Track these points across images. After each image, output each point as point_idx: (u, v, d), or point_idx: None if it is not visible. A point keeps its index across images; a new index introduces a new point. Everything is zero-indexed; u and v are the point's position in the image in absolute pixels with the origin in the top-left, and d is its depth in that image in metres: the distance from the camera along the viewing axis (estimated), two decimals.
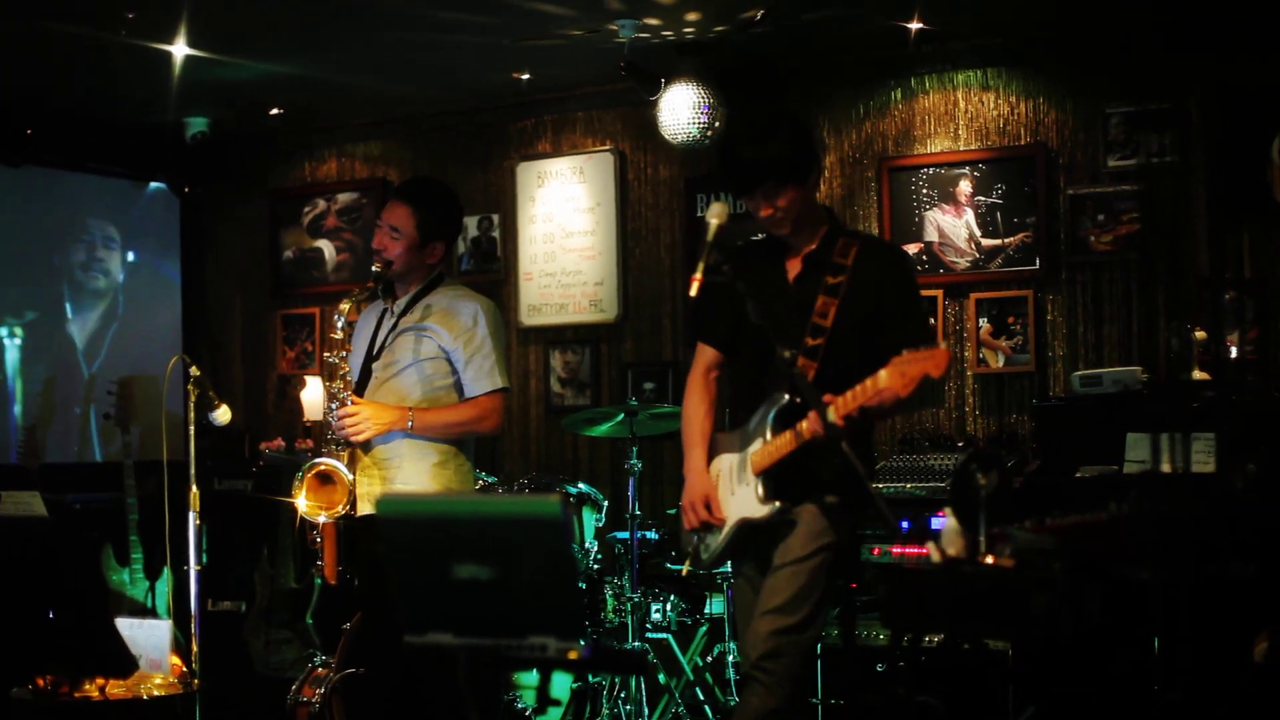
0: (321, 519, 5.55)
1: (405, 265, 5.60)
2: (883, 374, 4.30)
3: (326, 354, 5.70)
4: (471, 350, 5.54)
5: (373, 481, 5.57)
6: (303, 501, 5.57)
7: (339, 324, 5.66)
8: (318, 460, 5.61)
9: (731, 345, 4.91)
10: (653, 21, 7.36)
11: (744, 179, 4.67)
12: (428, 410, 5.52)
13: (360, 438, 5.52)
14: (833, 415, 4.24)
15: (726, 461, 4.78)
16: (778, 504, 4.58)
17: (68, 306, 9.43)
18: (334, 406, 5.58)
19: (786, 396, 4.54)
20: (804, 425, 4.49)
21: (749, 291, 4.49)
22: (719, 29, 7.48)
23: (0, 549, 3.86)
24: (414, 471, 5.52)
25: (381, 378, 5.61)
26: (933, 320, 7.75)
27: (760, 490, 4.61)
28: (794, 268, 4.78)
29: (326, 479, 5.59)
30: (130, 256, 9.77)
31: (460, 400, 5.62)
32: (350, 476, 5.56)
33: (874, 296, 4.68)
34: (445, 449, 5.59)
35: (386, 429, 5.52)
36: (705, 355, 4.96)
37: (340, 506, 5.54)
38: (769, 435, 4.60)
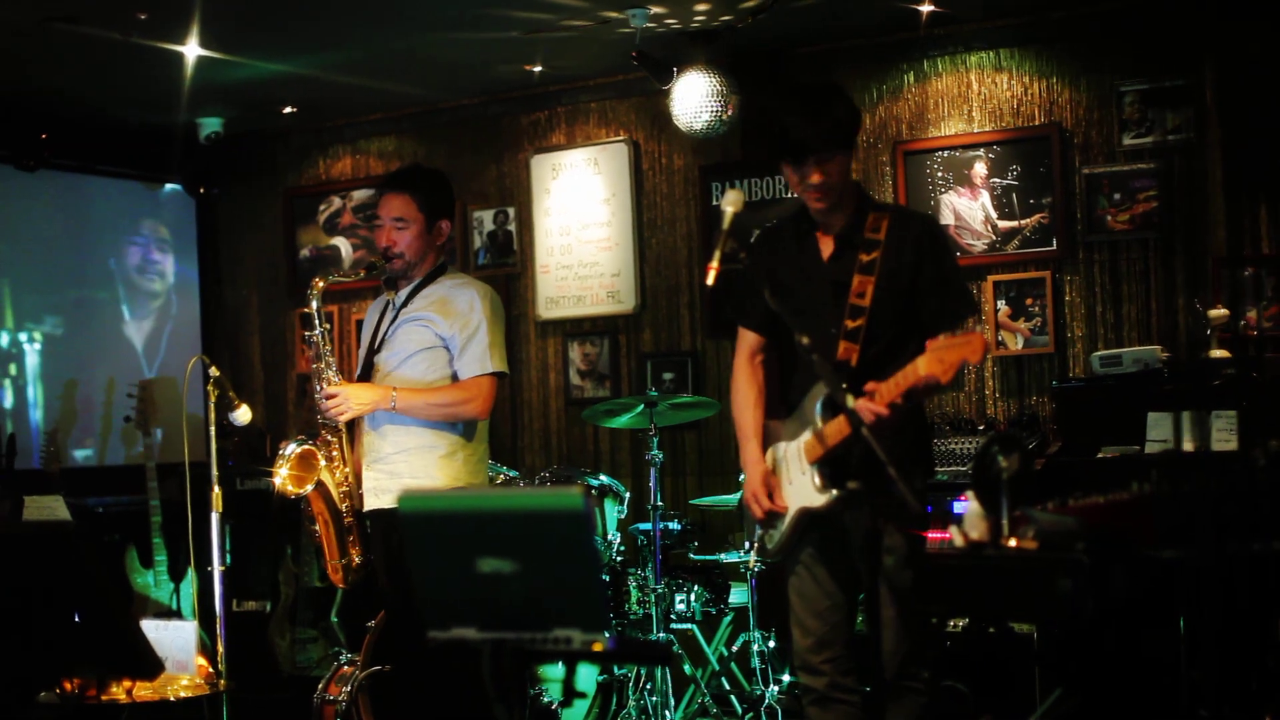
0: (290, 488, 5.61)
1: (418, 252, 5.65)
2: (921, 362, 4.29)
3: (306, 332, 5.75)
4: (466, 336, 5.56)
5: (380, 476, 5.59)
6: (284, 472, 5.63)
7: (314, 304, 5.72)
8: (305, 444, 5.68)
9: (773, 326, 4.87)
10: (663, 10, 7.35)
11: (810, 141, 4.61)
12: (411, 390, 5.54)
13: (343, 418, 5.60)
14: (852, 403, 4.23)
15: (782, 449, 4.76)
16: (835, 492, 4.56)
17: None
18: (319, 387, 5.63)
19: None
20: (831, 428, 4.49)
21: (771, 278, 4.48)
22: (728, 17, 7.47)
23: (25, 554, 3.87)
24: (421, 464, 5.55)
25: (384, 369, 5.64)
26: None
27: (817, 479, 4.59)
28: (827, 247, 4.75)
29: (308, 461, 5.65)
30: (149, 257, 9.79)
31: None
32: (323, 463, 5.66)
33: (910, 269, 4.66)
34: (452, 440, 5.60)
35: (370, 409, 5.58)
36: (747, 340, 4.94)
37: (308, 485, 5.63)
38: (819, 423, 4.58)
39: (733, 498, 7.19)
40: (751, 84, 7.89)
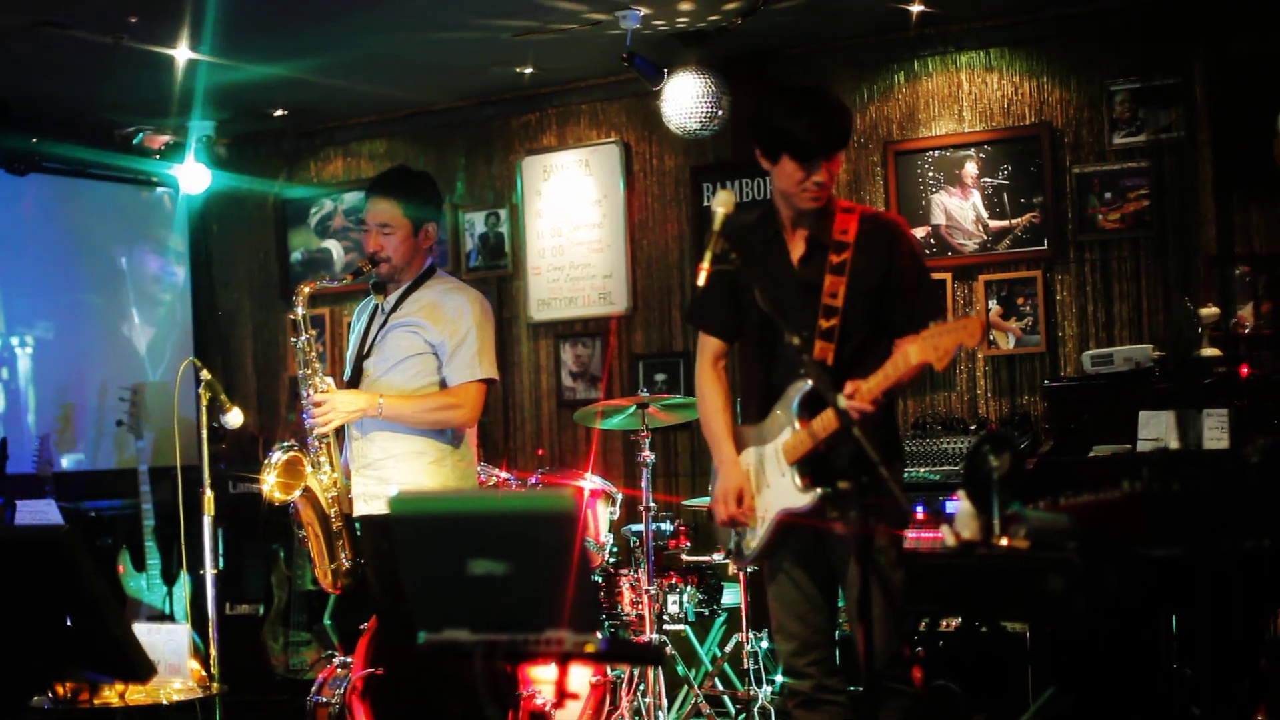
0: (277, 495, 5.62)
1: (404, 257, 5.63)
2: (912, 350, 4.31)
3: (292, 338, 5.74)
4: (455, 342, 5.54)
5: (368, 482, 5.59)
6: (271, 479, 5.63)
7: (299, 310, 5.71)
8: (291, 450, 5.69)
9: (734, 333, 4.90)
10: (654, 11, 7.35)
11: (827, 141, 4.65)
12: (398, 398, 5.53)
13: (330, 426, 5.57)
14: (844, 403, 4.23)
15: (754, 455, 4.75)
16: (819, 490, 4.56)
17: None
18: (306, 393, 5.62)
19: (810, 382, 4.51)
20: (818, 425, 4.49)
21: (754, 277, 4.48)
22: (718, 18, 7.48)
23: (17, 558, 3.87)
24: (409, 470, 5.53)
25: (372, 375, 5.63)
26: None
27: (798, 479, 4.58)
28: (796, 249, 4.76)
29: (294, 467, 5.66)
30: (140, 260, 9.79)
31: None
32: (309, 469, 5.66)
33: (880, 269, 4.68)
34: (440, 446, 5.59)
35: (357, 416, 5.55)
36: (710, 345, 4.95)
37: (295, 491, 5.64)
38: (797, 423, 4.58)
39: None
40: (742, 85, 7.89)
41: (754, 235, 4.82)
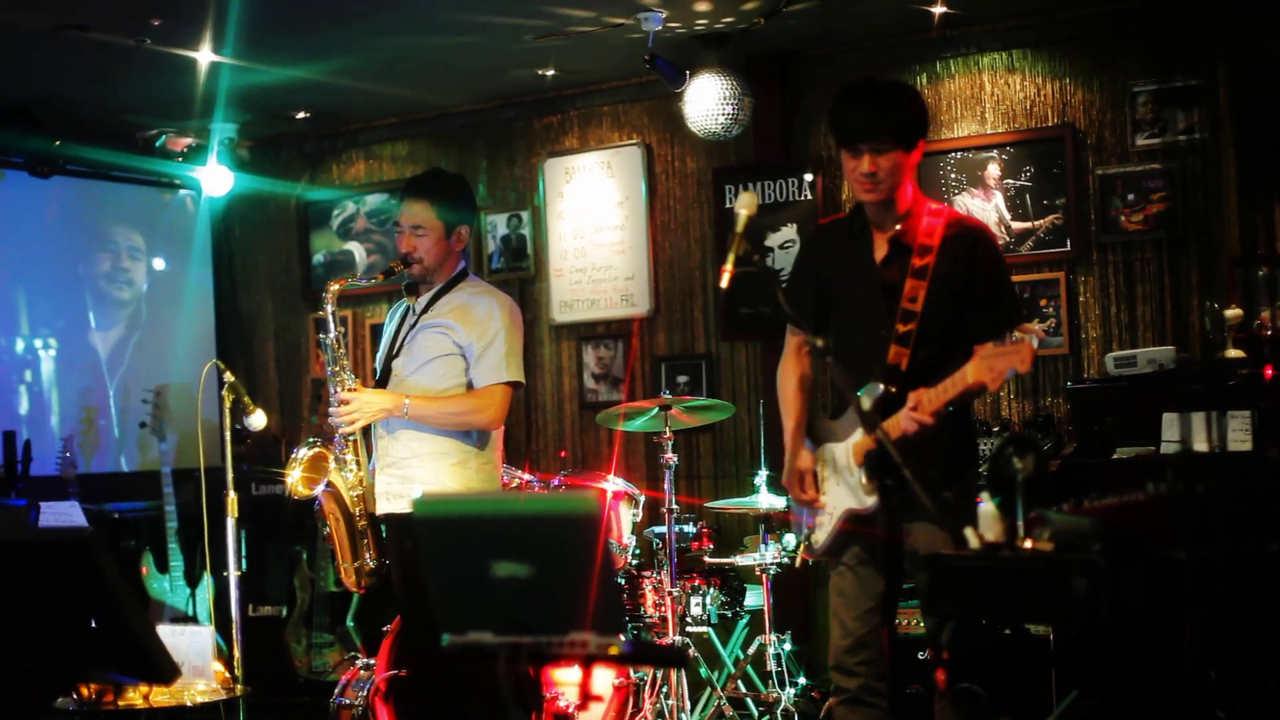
0: (300, 489, 5.66)
1: (436, 259, 5.65)
2: (969, 369, 4.33)
3: (320, 335, 5.77)
4: (484, 345, 5.56)
5: (392, 481, 5.60)
6: (297, 473, 5.67)
7: (328, 308, 5.74)
8: (316, 446, 5.71)
9: (819, 324, 4.86)
10: (676, 12, 7.35)
11: (864, 128, 4.61)
12: (424, 398, 5.55)
13: (356, 425, 5.58)
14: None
15: (831, 450, 4.78)
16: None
17: (91, 317, 9.47)
18: (334, 390, 5.64)
19: (881, 386, 4.50)
20: (855, 446, 4.51)
21: (821, 276, 4.55)
22: (758, 16, 7.47)
23: (41, 560, 3.89)
24: (432, 470, 5.55)
25: (400, 375, 5.65)
26: None
27: (864, 480, 4.59)
28: (880, 248, 4.75)
29: (319, 463, 5.68)
30: (161, 264, 9.79)
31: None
32: (333, 465, 5.69)
33: (962, 277, 4.65)
34: (464, 448, 5.59)
35: (381, 416, 5.56)
36: (795, 335, 4.99)
37: (318, 486, 5.66)
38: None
39: (747, 500, 7.19)
40: (764, 86, 7.90)
41: (841, 231, 4.86)
